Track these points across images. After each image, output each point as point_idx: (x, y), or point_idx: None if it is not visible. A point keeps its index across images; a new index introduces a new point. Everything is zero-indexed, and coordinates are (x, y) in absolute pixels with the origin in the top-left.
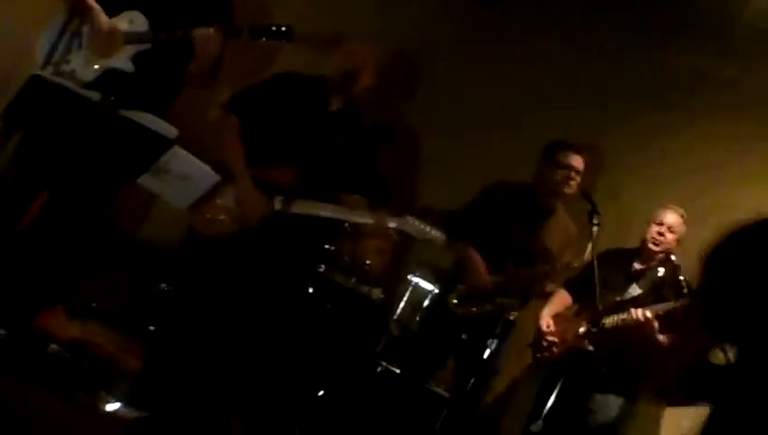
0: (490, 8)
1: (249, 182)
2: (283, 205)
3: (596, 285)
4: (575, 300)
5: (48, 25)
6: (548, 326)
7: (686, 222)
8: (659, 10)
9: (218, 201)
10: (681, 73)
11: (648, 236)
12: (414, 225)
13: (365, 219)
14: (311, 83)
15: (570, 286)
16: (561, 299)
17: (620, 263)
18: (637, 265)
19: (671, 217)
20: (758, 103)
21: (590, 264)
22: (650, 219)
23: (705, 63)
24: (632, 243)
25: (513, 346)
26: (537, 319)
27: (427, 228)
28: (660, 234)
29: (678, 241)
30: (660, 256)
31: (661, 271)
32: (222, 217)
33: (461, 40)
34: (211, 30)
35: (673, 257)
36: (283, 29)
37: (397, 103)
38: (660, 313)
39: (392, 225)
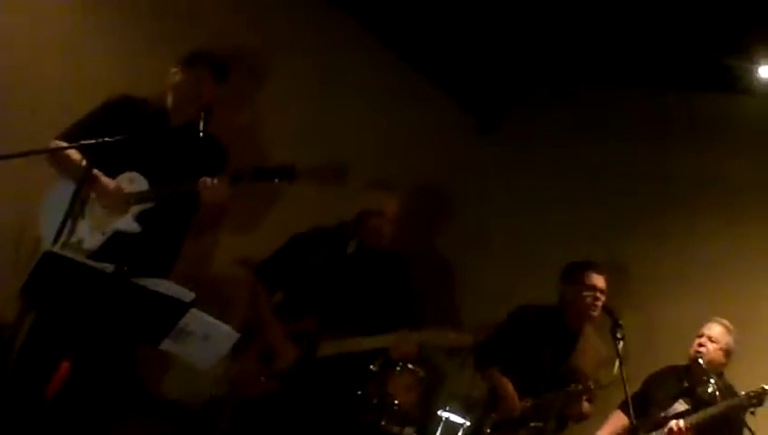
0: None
1: (280, 333)
2: (305, 353)
3: (628, 401)
4: None
5: (49, 195)
6: None
7: (731, 332)
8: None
9: (255, 365)
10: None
11: (692, 349)
12: (439, 337)
13: (387, 341)
14: (332, 235)
15: (624, 408)
16: (615, 422)
17: (672, 380)
18: (686, 383)
19: (712, 328)
20: None
21: (644, 384)
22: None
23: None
24: (661, 356)
25: None
26: None
27: (453, 334)
28: (701, 345)
29: (725, 352)
30: (709, 371)
31: (711, 388)
32: (263, 378)
33: (468, 169)
34: (215, 179)
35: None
36: (286, 168)
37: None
38: (694, 422)
39: (416, 339)
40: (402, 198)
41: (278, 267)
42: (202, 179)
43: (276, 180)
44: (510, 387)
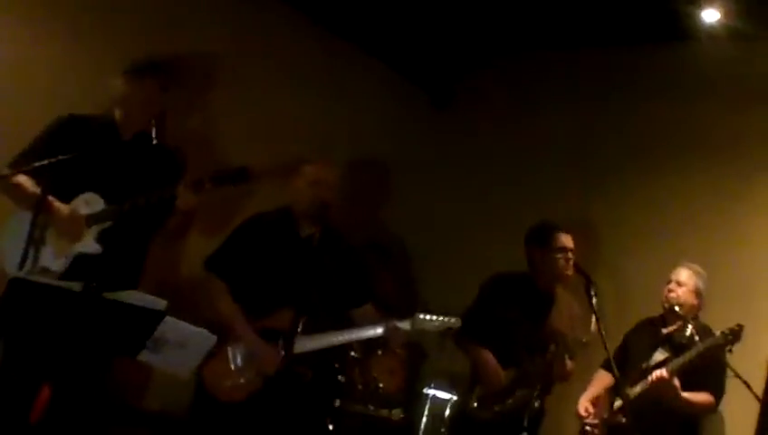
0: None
1: (255, 337)
2: (285, 347)
3: (610, 358)
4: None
5: (7, 226)
6: (585, 411)
7: (700, 275)
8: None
9: (232, 366)
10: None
11: (663, 297)
12: (426, 320)
13: (377, 331)
14: (277, 219)
15: (607, 366)
16: (600, 381)
17: (649, 331)
18: (663, 331)
19: (680, 273)
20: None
21: (624, 339)
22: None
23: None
24: (635, 309)
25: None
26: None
27: (441, 318)
28: (671, 290)
29: (695, 294)
30: (683, 315)
31: (689, 331)
32: (242, 380)
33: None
34: (181, 187)
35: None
36: (240, 172)
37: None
38: (676, 369)
39: (406, 327)
40: (353, 173)
41: (229, 258)
42: (180, 186)
43: (234, 185)
44: (492, 360)
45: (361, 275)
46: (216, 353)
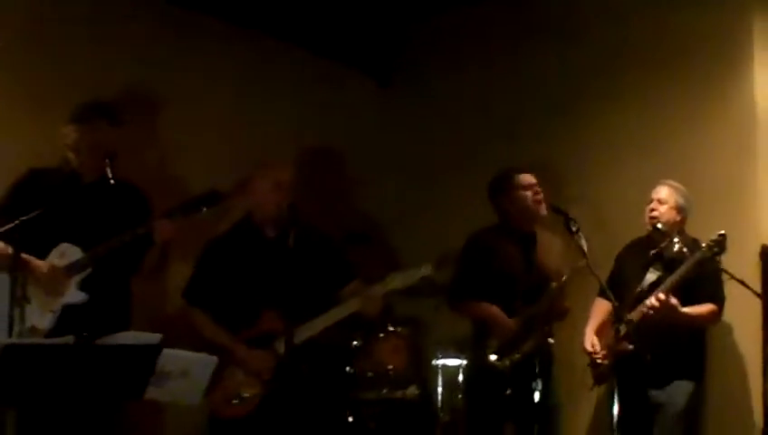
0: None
1: (243, 347)
2: (286, 343)
3: (604, 287)
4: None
5: None
6: (592, 344)
7: (679, 190)
8: None
9: (228, 383)
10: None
11: (646, 217)
12: (399, 277)
13: (354, 305)
14: (237, 232)
15: (604, 294)
16: (599, 310)
17: (638, 252)
18: (652, 250)
19: (660, 191)
20: None
21: (615, 264)
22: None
23: None
24: (619, 235)
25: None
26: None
27: (412, 270)
28: (653, 209)
29: (677, 210)
30: (667, 232)
31: (676, 247)
32: (246, 393)
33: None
34: (156, 221)
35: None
36: (209, 195)
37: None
38: (670, 287)
39: (380, 291)
40: (312, 168)
41: (203, 284)
42: (155, 220)
43: (204, 209)
44: (497, 309)
45: (340, 256)
46: (217, 378)
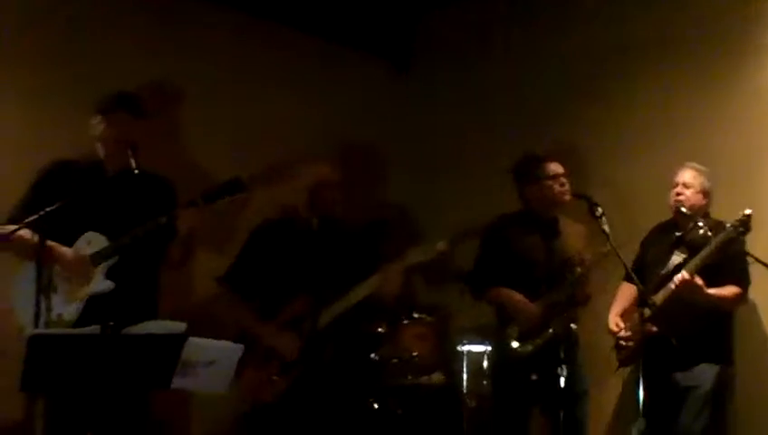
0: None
1: (271, 329)
2: (311, 322)
3: (629, 271)
4: None
5: (17, 281)
6: (617, 326)
7: (703, 173)
8: None
9: (253, 370)
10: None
11: (671, 201)
12: (417, 251)
13: (373, 283)
14: (288, 221)
15: (629, 279)
16: (625, 294)
17: (663, 236)
18: (676, 233)
19: (684, 174)
20: None
21: (640, 247)
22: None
23: None
24: (643, 219)
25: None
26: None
27: (429, 245)
28: (678, 193)
29: (703, 193)
30: (692, 215)
31: (702, 230)
32: (274, 377)
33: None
34: (180, 209)
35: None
36: (233, 183)
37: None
38: (694, 268)
39: (399, 267)
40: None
41: (247, 270)
42: (179, 209)
43: (228, 197)
44: (519, 295)
45: (366, 251)
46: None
